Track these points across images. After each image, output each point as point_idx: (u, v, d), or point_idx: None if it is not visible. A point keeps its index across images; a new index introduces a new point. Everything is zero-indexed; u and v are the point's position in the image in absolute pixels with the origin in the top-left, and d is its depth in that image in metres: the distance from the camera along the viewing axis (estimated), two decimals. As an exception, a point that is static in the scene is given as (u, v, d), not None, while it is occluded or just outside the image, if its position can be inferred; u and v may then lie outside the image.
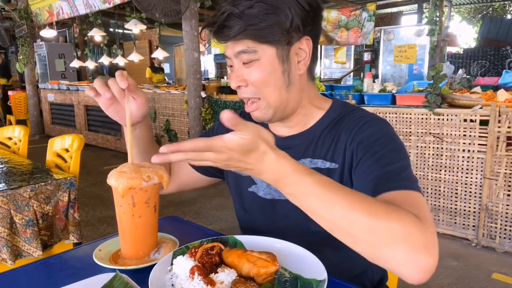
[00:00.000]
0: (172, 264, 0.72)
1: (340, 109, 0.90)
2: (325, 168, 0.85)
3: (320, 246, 0.80)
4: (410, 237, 0.58)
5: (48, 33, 6.63)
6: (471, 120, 2.61)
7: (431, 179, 2.85)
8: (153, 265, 0.73)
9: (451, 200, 2.78)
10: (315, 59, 0.88)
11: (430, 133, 2.81)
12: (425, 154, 2.86)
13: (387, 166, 0.74)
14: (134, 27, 5.80)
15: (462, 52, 7.64)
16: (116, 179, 0.75)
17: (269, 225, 0.94)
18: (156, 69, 7.82)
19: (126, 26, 5.94)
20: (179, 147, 0.58)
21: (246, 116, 1.02)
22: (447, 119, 2.72)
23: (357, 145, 0.80)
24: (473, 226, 2.71)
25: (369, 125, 0.82)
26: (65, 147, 2.11)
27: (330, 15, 6.24)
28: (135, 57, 6.49)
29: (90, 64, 7.51)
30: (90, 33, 6.57)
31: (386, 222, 0.58)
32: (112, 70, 10.87)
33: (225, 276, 0.66)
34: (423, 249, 0.57)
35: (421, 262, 0.57)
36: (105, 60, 7.08)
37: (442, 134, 2.75)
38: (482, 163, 2.61)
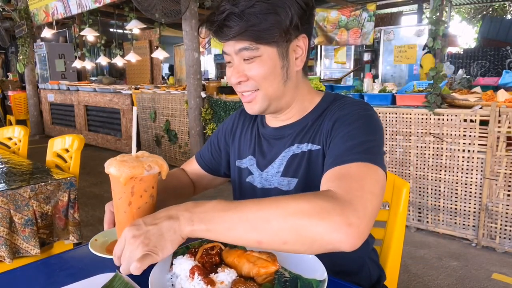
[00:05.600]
0: (172, 264, 0.72)
1: (331, 98, 0.93)
2: (307, 150, 0.88)
3: None
4: (323, 212, 0.61)
5: (47, 32, 6.63)
6: (471, 120, 2.61)
7: (431, 179, 2.85)
8: (153, 265, 0.73)
9: (451, 200, 2.78)
10: (308, 56, 0.92)
11: (430, 133, 2.81)
12: (425, 154, 2.86)
13: (347, 143, 0.76)
14: (134, 27, 5.79)
15: (462, 52, 7.62)
16: (118, 168, 0.74)
17: None
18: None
19: (126, 27, 5.93)
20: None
21: (243, 115, 1.09)
22: (447, 119, 2.72)
23: (332, 125, 0.83)
24: (473, 226, 2.71)
25: (346, 107, 0.85)
26: (65, 147, 2.11)
27: (330, 15, 6.22)
28: (132, 57, 6.47)
29: (88, 64, 7.51)
30: (82, 33, 6.57)
31: (299, 215, 0.61)
32: (111, 70, 10.88)
33: (225, 276, 0.66)
34: (339, 217, 0.60)
35: (343, 229, 0.60)
36: (102, 60, 7.07)
37: (442, 134, 2.75)
38: (482, 163, 2.61)
